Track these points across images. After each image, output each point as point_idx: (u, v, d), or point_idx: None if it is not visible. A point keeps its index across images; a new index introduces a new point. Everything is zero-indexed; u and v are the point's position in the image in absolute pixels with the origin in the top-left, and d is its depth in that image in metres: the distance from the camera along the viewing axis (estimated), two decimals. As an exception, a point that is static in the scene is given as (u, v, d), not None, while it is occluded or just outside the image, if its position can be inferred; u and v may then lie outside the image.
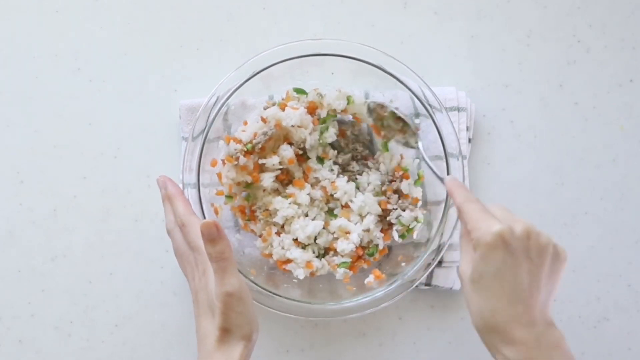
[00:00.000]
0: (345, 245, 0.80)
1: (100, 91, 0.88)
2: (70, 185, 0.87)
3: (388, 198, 0.81)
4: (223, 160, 0.80)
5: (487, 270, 0.61)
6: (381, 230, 0.81)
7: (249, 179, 0.80)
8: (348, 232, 0.80)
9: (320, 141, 0.81)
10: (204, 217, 0.77)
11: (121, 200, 0.87)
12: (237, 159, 0.79)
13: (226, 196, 0.80)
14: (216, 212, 0.80)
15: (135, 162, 0.87)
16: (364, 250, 0.80)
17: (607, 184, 0.87)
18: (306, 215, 0.81)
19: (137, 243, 0.86)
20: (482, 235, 0.62)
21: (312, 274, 0.80)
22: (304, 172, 0.82)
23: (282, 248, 0.80)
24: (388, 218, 0.80)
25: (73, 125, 0.87)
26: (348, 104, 0.81)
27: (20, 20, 0.88)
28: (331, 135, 0.81)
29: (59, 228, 0.87)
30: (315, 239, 0.81)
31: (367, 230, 0.80)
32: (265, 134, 0.79)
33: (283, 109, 0.80)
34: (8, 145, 0.87)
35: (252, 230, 0.82)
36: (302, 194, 0.80)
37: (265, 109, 0.81)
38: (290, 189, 0.81)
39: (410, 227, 0.80)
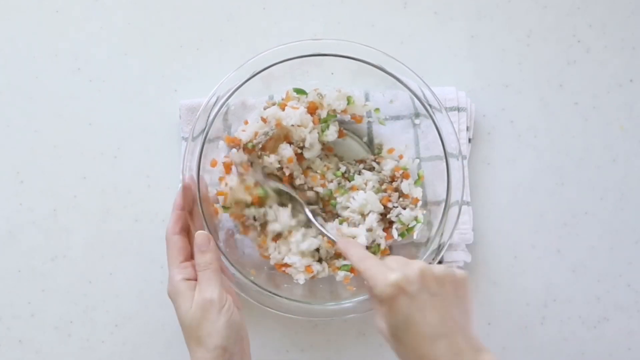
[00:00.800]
0: None
1: (100, 91, 0.88)
2: (70, 185, 0.87)
3: (389, 195, 0.81)
4: (224, 163, 0.80)
5: (399, 321, 0.62)
6: (383, 230, 0.81)
7: (248, 198, 0.80)
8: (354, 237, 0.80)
9: (320, 140, 0.81)
10: (204, 217, 0.77)
11: (121, 200, 0.87)
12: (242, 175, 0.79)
13: (222, 206, 0.80)
14: (216, 212, 0.80)
15: (135, 162, 0.87)
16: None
17: (607, 184, 0.87)
18: (302, 226, 0.80)
19: (137, 243, 0.86)
20: (382, 289, 0.62)
21: (313, 277, 0.80)
22: (303, 172, 0.82)
23: (279, 253, 0.80)
24: (388, 216, 0.80)
25: (73, 125, 0.88)
26: (348, 104, 0.81)
27: (20, 20, 0.88)
28: (332, 133, 0.81)
29: (59, 228, 0.87)
30: (318, 250, 0.81)
31: (370, 230, 0.80)
32: (266, 133, 0.79)
33: (283, 109, 0.80)
34: (8, 145, 0.88)
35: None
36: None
37: (265, 109, 0.81)
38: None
39: (410, 226, 0.80)
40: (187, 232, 0.76)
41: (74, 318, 0.87)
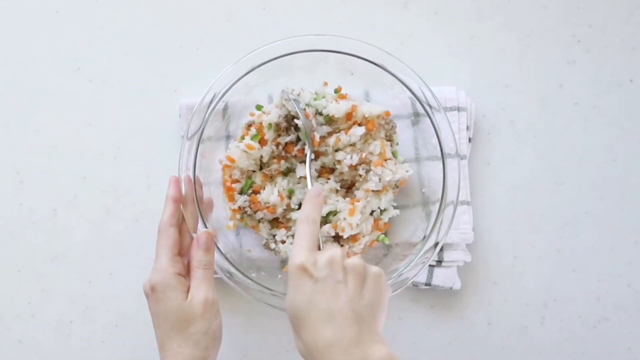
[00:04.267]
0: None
1: (100, 91, 0.88)
2: (70, 185, 0.87)
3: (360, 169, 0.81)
4: (221, 161, 0.80)
5: (301, 301, 0.62)
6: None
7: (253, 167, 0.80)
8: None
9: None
10: (201, 216, 0.77)
11: (121, 200, 0.87)
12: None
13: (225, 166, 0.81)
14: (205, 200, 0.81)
15: (135, 162, 0.87)
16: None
17: (607, 184, 0.87)
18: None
19: (137, 243, 0.86)
20: (290, 265, 0.63)
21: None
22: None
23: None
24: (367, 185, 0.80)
25: (73, 125, 0.88)
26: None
27: (20, 20, 0.88)
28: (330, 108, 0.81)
29: (59, 228, 0.87)
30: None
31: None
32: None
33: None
34: (8, 145, 0.88)
35: (249, 224, 0.82)
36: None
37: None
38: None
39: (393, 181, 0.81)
40: (178, 226, 0.76)
41: (74, 318, 0.87)
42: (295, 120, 0.78)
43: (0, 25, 0.88)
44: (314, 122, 0.79)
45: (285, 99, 0.78)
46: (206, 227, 0.77)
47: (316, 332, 0.61)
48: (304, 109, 0.78)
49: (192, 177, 0.78)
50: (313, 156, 0.79)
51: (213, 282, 0.73)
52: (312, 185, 0.77)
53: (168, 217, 0.75)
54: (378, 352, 0.60)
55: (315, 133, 0.78)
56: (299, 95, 0.79)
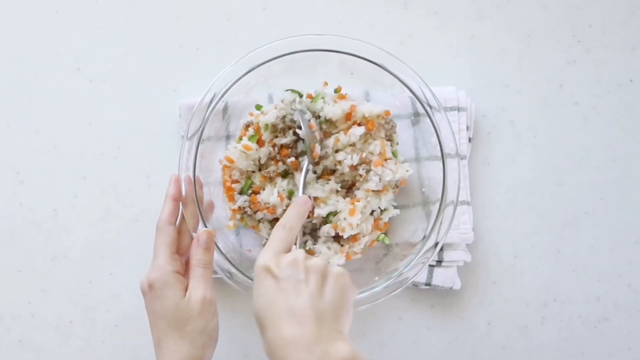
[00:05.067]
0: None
1: (100, 91, 0.88)
2: (70, 185, 0.87)
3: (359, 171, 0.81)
4: (220, 161, 0.80)
5: (263, 301, 0.64)
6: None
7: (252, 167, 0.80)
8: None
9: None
10: (201, 216, 0.77)
11: (121, 200, 0.87)
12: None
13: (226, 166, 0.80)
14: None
15: (135, 162, 0.87)
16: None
17: (607, 184, 0.87)
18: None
19: (137, 243, 0.86)
20: (255, 267, 0.66)
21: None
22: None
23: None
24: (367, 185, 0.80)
25: (73, 125, 0.88)
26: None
27: (20, 20, 0.88)
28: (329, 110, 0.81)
29: (59, 228, 0.87)
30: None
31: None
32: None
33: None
34: (8, 145, 0.88)
35: (249, 224, 0.82)
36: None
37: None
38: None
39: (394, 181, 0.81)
40: (177, 225, 0.76)
41: (74, 318, 0.87)
42: (298, 131, 0.78)
43: (0, 25, 0.88)
44: (317, 133, 0.79)
45: (292, 109, 0.79)
46: (206, 227, 0.77)
47: (277, 330, 0.62)
48: (309, 120, 0.79)
49: (192, 177, 0.78)
50: (310, 167, 0.79)
51: (211, 282, 0.73)
52: (302, 193, 0.77)
53: (167, 215, 0.75)
54: (339, 349, 0.60)
55: (317, 145, 0.79)
56: (301, 103, 0.79)
